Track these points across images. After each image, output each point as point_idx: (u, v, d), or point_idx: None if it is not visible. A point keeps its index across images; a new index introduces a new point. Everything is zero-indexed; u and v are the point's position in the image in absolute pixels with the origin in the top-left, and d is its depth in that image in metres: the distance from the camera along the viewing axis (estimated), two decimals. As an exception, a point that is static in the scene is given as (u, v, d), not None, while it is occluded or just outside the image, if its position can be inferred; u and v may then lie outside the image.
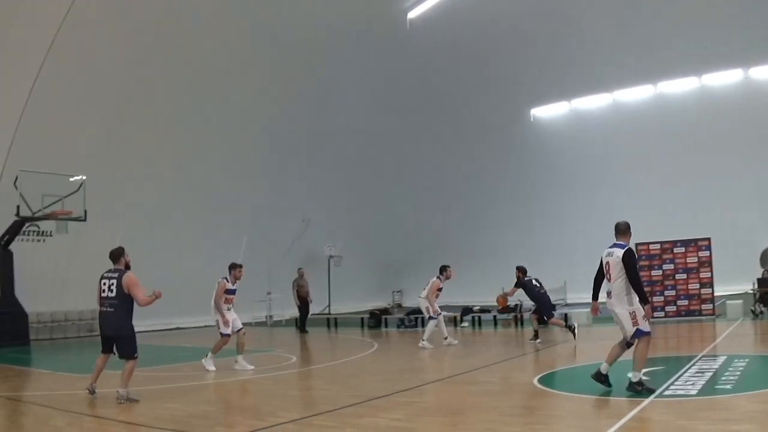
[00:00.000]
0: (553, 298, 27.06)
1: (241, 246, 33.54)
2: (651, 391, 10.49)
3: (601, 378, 11.05)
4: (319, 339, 26.37)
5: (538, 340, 19.85)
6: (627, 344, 11.10)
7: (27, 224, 26.15)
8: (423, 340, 20.02)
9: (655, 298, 24.75)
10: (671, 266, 24.91)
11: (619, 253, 10.82)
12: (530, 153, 38.18)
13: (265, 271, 33.17)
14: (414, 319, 27.02)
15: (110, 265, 12.34)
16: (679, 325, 23.14)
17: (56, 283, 26.77)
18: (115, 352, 12.31)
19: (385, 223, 41.12)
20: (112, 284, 12.00)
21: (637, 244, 25.29)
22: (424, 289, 20.85)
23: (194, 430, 9.68)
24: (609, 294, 10.92)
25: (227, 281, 16.31)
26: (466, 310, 28.51)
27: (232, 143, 33.66)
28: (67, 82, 26.55)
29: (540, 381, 12.45)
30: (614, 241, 11.25)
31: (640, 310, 10.72)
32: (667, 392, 10.65)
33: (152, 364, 17.81)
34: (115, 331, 12.11)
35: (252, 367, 16.30)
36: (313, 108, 35.98)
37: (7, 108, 25.44)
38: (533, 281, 20.76)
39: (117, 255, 12.40)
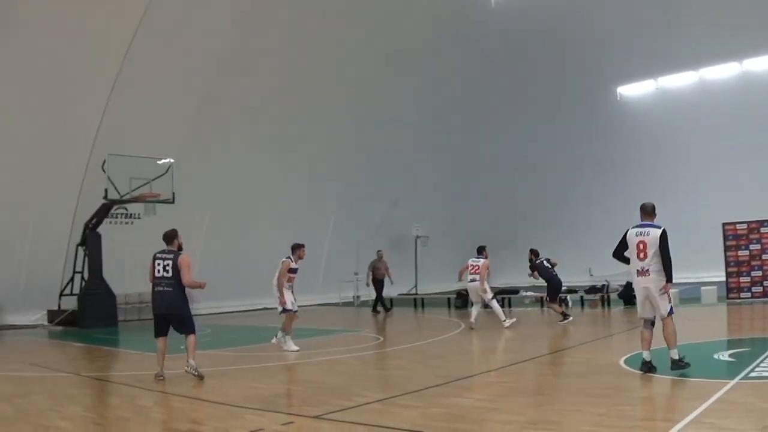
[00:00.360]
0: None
1: (329, 227, 33.79)
2: (688, 365, 10.70)
3: (648, 367, 11.08)
4: (406, 319, 26.55)
5: (570, 319, 20.58)
6: (651, 324, 11.29)
7: (115, 207, 26.65)
8: (504, 320, 20.06)
9: (741, 279, 24.45)
10: (758, 246, 24.48)
11: (656, 232, 10.93)
12: (615, 131, 37.75)
13: (352, 251, 33.33)
14: (501, 299, 26.93)
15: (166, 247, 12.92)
16: (765, 305, 22.80)
17: (144, 264, 27.15)
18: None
19: (471, 204, 41.06)
20: (168, 265, 12.47)
21: (723, 224, 24.99)
22: (476, 273, 20.59)
23: (281, 409, 9.82)
24: (645, 271, 11.01)
25: (291, 261, 16.30)
26: (553, 291, 28.38)
27: (323, 127, 33.71)
28: (154, 64, 26.79)
29: (626, 362, 12.39)
30: (640, 221, 11.38)
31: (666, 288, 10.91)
32: (752, 374, 10.57)
33: (238, 344, 18.11)
34: (171, 309, 12.52)
35: (296, 348, 16.13)
36: (403, 92, 36.00)
37: (94, 91, 25.79)
38: (544, 263, 21.65)
39: (171, 236, 12.90)
